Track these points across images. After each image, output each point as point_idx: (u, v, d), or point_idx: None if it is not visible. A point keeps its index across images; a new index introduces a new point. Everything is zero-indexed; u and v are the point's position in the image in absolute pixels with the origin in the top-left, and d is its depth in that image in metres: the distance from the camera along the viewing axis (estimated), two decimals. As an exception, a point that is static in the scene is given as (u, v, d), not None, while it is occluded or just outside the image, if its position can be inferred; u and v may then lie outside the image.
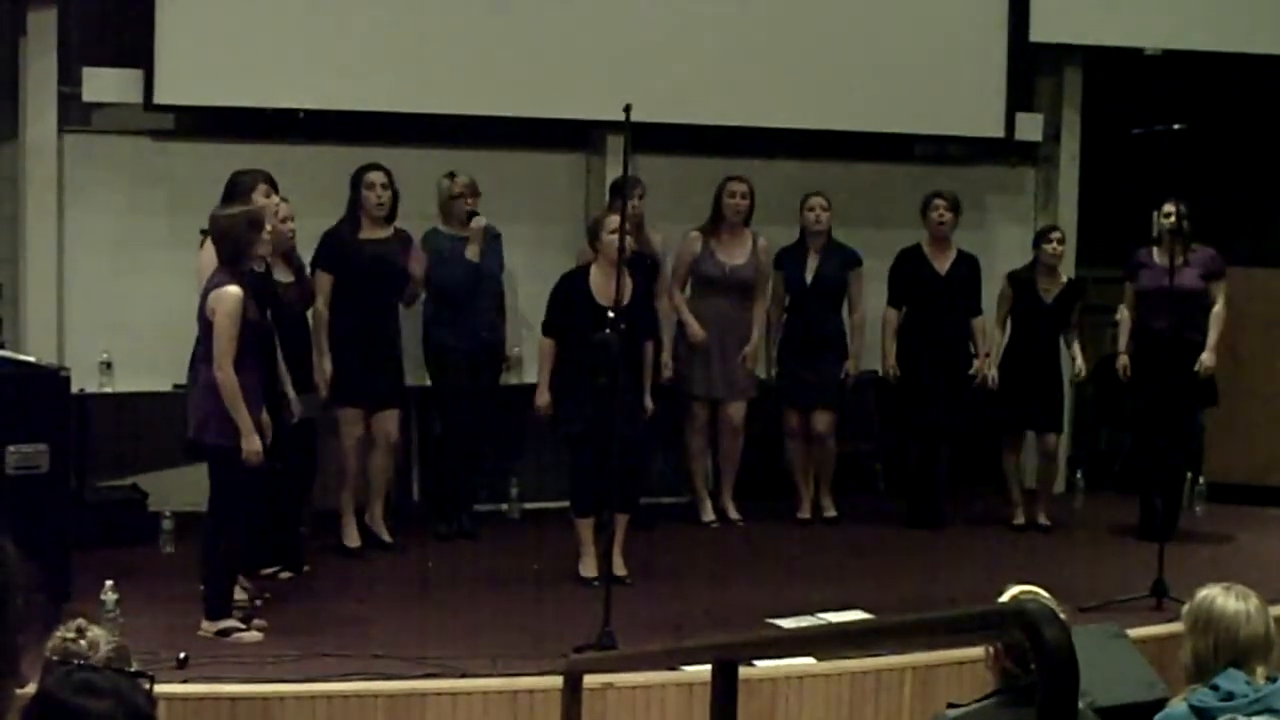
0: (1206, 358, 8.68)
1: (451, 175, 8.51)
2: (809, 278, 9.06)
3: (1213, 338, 8.75)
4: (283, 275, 7.55)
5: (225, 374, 6.38)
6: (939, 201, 9.13)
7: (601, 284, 7.56)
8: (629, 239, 7.46)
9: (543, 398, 7.87)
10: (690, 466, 9.14)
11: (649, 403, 7.98)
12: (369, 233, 8.11)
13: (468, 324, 8.48)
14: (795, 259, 9.10)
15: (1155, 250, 8.75)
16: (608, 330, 7.02)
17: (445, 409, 8.69)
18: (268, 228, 6.76)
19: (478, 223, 8.42)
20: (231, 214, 6.68)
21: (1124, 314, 8.95)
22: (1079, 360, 9.06)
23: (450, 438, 8.70)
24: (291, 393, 7.23)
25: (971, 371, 9.07)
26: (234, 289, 6.43)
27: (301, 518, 7.98)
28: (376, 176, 8.07)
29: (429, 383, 8.68)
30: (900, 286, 9.20)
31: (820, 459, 9.22)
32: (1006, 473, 9.24)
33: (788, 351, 9.13)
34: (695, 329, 8.89)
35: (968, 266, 9.20)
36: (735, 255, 8.96)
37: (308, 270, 7.91)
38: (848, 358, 9.11)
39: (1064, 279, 9.12)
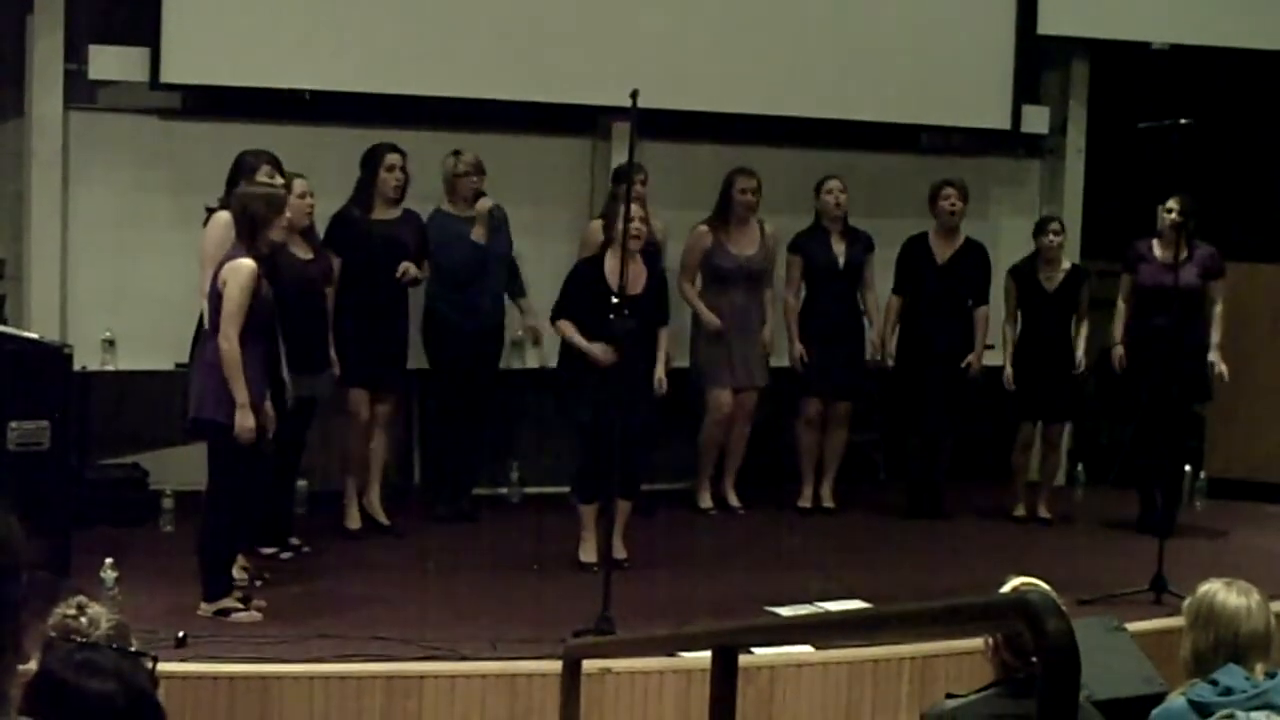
0: (1214, 357, 8.66)
1: (456, 153, 8.47)
2: (840, 262, 9.01)
3: (1217, 337, 8.73)
4: (302, 252, 7.54)
5: (230, 344, 6.37)
6: (950, 190, 9.08)
7: (616, 271, 7.53)
8: (644, 225, 7.45)
9: (596, 346, 7.52)
10: (702, 454, 9.08)
11: (661, 376, 7.76)
12: (379, 214, 8.09)
13: (470, 303, 8.43)
14: (819, 244, 9.03)
15: (1156, 243, 8.72)
16: (621, 316, 6.99)
17: (443, 388, 8.62)
18: (287, 213, 6.77)
19: (484, 204, 8.38)
20: (253, 193, 6.69)
21: (1120, 306, 8.93)
22: (1080, 352, 9.03)
23: (448, 417, 8.66)
24: (286, 375, 7.22)
25: (964, 365, 9.06)
26: (249, 262, 6.44)
27: (294, 496, 7.99)
28: (396, 158, 8.05)
29: (429, 363, 8.61)
30: (903, 273, 9.19)
31: (833, 448, 9.20)
32: (1016, 466, 9.22)
33: (814, 337, 9.02)
34: (711, 318, 8.84)
35: (974, 255, 9.18)
36: (746, 246, 8.93)
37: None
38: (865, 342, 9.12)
39: (1065, 266, 9.09)
